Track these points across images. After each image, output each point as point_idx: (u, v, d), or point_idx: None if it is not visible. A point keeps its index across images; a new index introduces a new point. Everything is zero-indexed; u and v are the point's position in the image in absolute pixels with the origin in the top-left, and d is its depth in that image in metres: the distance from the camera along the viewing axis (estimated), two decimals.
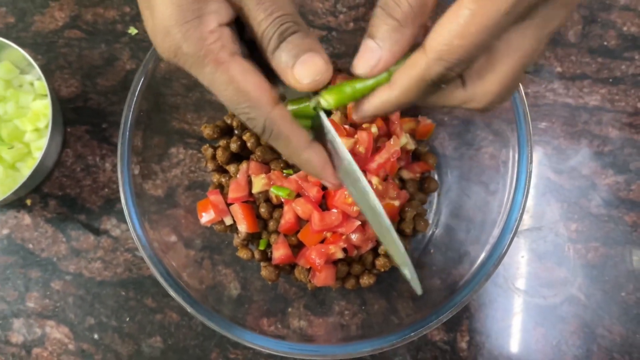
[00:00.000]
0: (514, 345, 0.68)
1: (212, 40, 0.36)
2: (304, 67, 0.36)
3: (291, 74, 0.37)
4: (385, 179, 0.62)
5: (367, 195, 0.40)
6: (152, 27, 0.38)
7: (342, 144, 0.40)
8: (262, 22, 0.36)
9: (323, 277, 0.62)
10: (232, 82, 0.36)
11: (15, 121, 0.69)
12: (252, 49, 0.39)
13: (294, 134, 0.38)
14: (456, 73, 0.35)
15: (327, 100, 0.38)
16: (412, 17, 0.35)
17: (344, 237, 0.61)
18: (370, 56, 0.36)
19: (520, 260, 0.70)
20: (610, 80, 0.73)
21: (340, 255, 0.61)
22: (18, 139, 0.69)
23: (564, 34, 0.74)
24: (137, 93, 0.59)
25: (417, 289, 0.44)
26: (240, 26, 0.39)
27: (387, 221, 0.41)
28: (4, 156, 0.68)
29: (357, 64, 0.37)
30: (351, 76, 0.62)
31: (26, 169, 0.69)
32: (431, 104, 0.39)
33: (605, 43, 0.74)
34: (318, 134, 0.40)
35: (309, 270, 0.64)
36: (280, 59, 0.37)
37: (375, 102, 0.38)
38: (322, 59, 0.37)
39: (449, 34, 0.33)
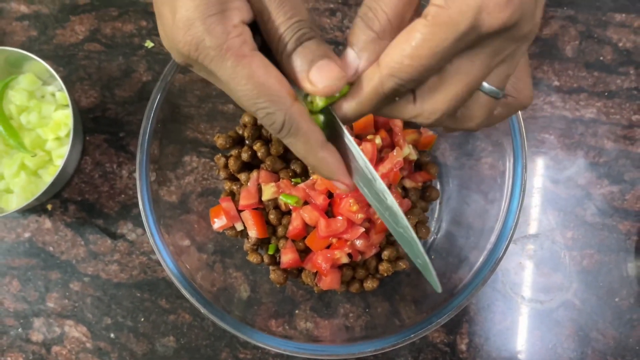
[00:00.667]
0: (511, 348, 0.71)
1: (235, 35, 0.36)
2: (320, 73, 0.38)
3: (307, 78, 0.38)
4: (388, 188, 0.65)
5: (384, 195, 0.41)
6: (172, 23, 0.37)
7: (356, 145, 0.41)
8: (281, 24, 0.38)
9: (329, 281, 0.65)
10: (253, 76, 0.37)
11: (38, 130, 0.72)
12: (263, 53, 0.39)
13: (312, 131, 0.39)
14: (407, 89, 0.38)
15: (317, 100, 0.40)
16: (390, 29, 0.37)
17: (349, 243, 0.64)
18: (348, 65, 0.39)
19: (518, 266, 0.72)
20: (606, 93, 0.76)
21: (345, 260, 0.64)
22: (40, 147, 0.73)
23: (562, 49, 0.77)
24: (155, 105, 0.62)
25: (437, 287, 0.45)
26: (255, 31, 0.39)
27: (405, 221, 0.42)
28: (27, 163, 0.71)
29: (345, 69, 0.39)
30: None
31: (48, 176, 0.72)
32: (385, 115, 0.41)
33: (601, 58, 0.77)
34: (331, 137, 0.41)
35: (315, 274, 0.67)
36: (296, 63, 0.38)
37: (342, 110, 0.40)
38: (338, 66, 0.38)
39: (401, 53, 0.35)
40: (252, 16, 0.38)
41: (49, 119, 0.73)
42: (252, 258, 0.68)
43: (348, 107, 0.39)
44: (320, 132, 0.39)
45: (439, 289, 0.45)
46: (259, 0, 0.38)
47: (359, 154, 0.41)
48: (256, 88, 0.37)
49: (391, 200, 0.41)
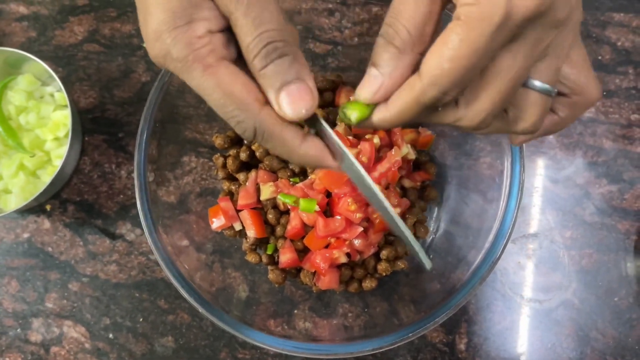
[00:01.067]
0: (511, 347, 0.71)
1: (199, 45, 0.36)
2: (289, 99, 0.37)
3: (276, 102, 0.37)
4: (387, 188, 0.65)
5: (369, 186, 0.41)
6: (145, 32, 0.38)
7: (331, 130, 0.40)
8: (247, 34, 0.36)
9: (327, 281, 0.65)
10: (220, 85, 0.36)
11: (37, 131, 0.73)
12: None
13: (286, 132, 0.38)
14: (451, 97, 0.37)
15: (351, 116, 0.40)
16: (411, 44, 0.37)
17: (347, 242, 0.64)
18: (372, 83, 0.38)
19: (517, 266, 0.72)
20: (605, 93, 0.76)
21: (343, 259, 0.64)
22: (39, 148, 0.73)
23: None
24: (153, 105, 0.62)
25: (426, 263, 0.45)
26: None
27: (385, 201, 0.42)
28: (26, 164, 0.71)
29: (360, 91, 0.39)
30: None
31: (46, 176, 0.72)
32: (426, 122, 0.41)
33: (599, 58, 0.77)
34: (308, 124, 0.41)
35: (314, 274, 0.67)
36: (265, 82, 0.37)
37: (374, 120, 0.39)
38: (309, 91, 0.37)
39: (440, 58, 0.35)
40: (223, 23, 0.38)
41: (47, 119, 0.74)
42: (251, 258, 0.68)
43: (385, 116, 0.39)
44: (295, 129, 0.39)
45: (428, 266, 0.45)
46: (226, 6, 0.37)
47: (336, 140, 0.40)
48: (223, 97, 0.36)
49: (376, 190, 0.41)
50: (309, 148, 0.39)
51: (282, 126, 0.38)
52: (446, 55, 0.35)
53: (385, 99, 0.39)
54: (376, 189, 0.42)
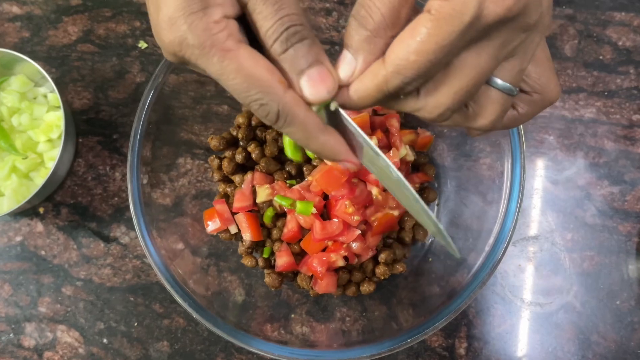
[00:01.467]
0: (511, 352, 0.70)
1: (217, 30, 0.35)
2: (310, 83, 0.36)
3: (297, 85, 0.37)
4: (385, 190, 0.64)
5: (389, 169, 0.40)
6: (157, 21, 0.37)
7: (355, 124, 0.39)
8: (266, 19, 0.36)
9: (325, 285, 0.64)
10: (242, 69, 0.35)
11: (29, 132, 0.72)
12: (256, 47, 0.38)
13: (309, 117, 0.37)
14: (413, 87, 0.36)
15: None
16: (384, 27, 0.36)
17: (344, 245, 0.63)
18: (346, 67, 0.38)
19: (517, 269, 0.71)
20: (606, 93, 0.75)
21: (341, 263, 0.63)
22: (32, 150, 0.72)
23: (560, 48, 0.76)
24: (146, 105, 0.62)
25: (455, 252, 0.44)
26: (246, 25, 0.38)
27: (413, 192, 0.41)
28: (18, 166, 0.70)
29: (342, 73, 0.38)
30: None
31: (39, 179, 0.71)
32: (386, 107, 0.40)
33: (600, 57, 0.76)
34: (329, 120, 0.40)
35: (311, 277, 0.66)
36: (286, 66, 0.36)
37: (339, 99, 0.39)
38: (330, 74, 0.37)
39: (407, 49, 0.34)
40: (237, 10, 0.37)
41: (40, 120, 0.72)
42: (247, 261, 0.67)
43: (348, 100, 0.38)
44: (317, 116, 0.38)
45: (457, 254, 0.44)
46: None
47: (358, 131, 0.39)
48: (246, 81, 0.35)
49: (396, 173, 0.40)
50: (330, 137, 0.39)
51: (305, 111, 0.37)
52: (413, 47, 0.34)
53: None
54: (405, 181, 0.40)
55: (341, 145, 0.39)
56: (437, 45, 0.34)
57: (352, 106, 0.39)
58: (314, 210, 0.61)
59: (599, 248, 0.71)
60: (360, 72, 0.37)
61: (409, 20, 0.36)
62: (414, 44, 0.34)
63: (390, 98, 0.38)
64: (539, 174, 0.74)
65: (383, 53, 0.37)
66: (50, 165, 0.70)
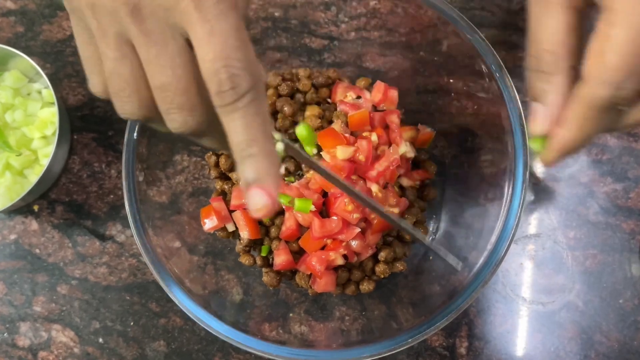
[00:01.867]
0: (513, 351, 0.69)
1: None
2: (252, 200, 0.35)
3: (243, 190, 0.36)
4: (385, 187, 0.63)
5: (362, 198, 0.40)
6: None
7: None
8: (207, 62, 0.33)
9: (323, 283, 0.63)
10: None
11: (23, 129, 0.70)
12: None
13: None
14: (629, 91, 0.34)
15: (534, 145, 0.40)
16: (559, 62, 0.36)
17: (344, 243, 0.62)
18: (539, 117, 0.38)
19: (519, 267, 0.70)
20: None
21: (340, 261, 0.62)
22: (26, 146, 0.70)
23: None
24: None
25: (455, 265, 0.43)
26: None
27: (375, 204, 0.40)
28: (12, 163, 0.69)
29: (533, 128, 0.39)
30: (353, 85, 0.63)
31: (34, 176, 0.70)
32: (618, 129, 0.38)
33: None
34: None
35: (309, 276, 0.65)
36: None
37: (556, 147, 0.38)
38: (271, 195, 0.35)
39: (602, 53, 0.33)
40: None
41: (35, 117, 0.71)
42: (245, 260, 0.66)
43: (565, 137, 0.37)
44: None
45: (459, 267, 0.43)
46: None
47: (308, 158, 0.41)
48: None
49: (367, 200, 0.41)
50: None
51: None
52: (607, 47, 0.33)
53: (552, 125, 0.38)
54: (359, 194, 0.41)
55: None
56: (634, 33, 0.32)
57: (572, 140, 0.37)
58: (312, 207, 0.60)
59: (602, 246, 0.70)
60: (554, 114, 0.37)
61: (581, 43, 0.35)
62: (607, 44, 0.33)
63: (610, 116, 0.36)
64: (541, 171, 0.72)
65: (570, 85, 0.36)
66: (45, 162, 0.69)
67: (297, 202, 0.60)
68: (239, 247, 0.67)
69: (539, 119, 0.38)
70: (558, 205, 0.71)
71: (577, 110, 0.36)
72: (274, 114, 0.69)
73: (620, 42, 0.32)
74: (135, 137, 0.60)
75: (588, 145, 0.40)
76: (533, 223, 0.71)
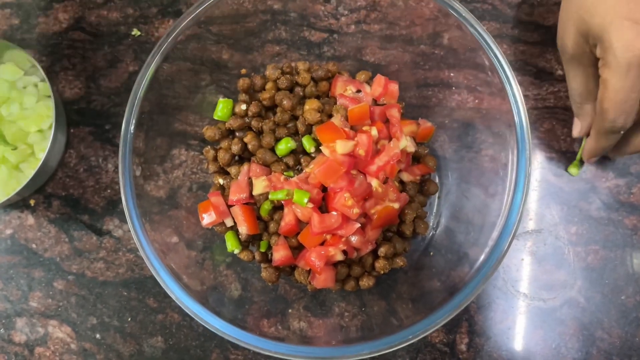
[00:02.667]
0: (513, 348, 0.68)
1: None
2: None
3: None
4: (385, 182, 0.63)
5: None
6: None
7: None
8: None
9: (323, 279, 0.62)
10: None
11: (19, 122, 0.69)
12: None
13: None
14: (622, 123, 0.56)
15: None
16: (584, 101, 0.63)
17: (343, 239, 0.61)
18: (577, 128, 0.67)
19: (520, 263, 0.70)
20: None
21: (340, 257, 0.61)
22: (22, 141, 0.70)
23: None
24: (139, 94, 0.60)
25: None
26: None
27: None
28: (8, 157, 0.68)
29: (573, 134, 0.68)
30: (353, 79, 0.63)
31: (30, 170, 0.69)
32: (619, 153, 0.65)
33: None
34: None
35: (308, 272, 0.64)
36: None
37: (586, 150, 0.66)
38: None
39: (601, 101, 0.56)
40: None
41: (31, 110, 0.70)
42: (243, 255, 0.65)
43: (590, 145, 0.64)
44: None
45: None
46: None
47: None
48: None
49: None
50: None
51: None
52: (604, 96, 0.55)
53: (587, 134, 0.66)
54: None
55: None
56: (616, 88, 0.54)
57: (594, 149, 0.64)
58: (309, 204, 0.60)
59: (604, 242, 0.70)
60: (584, 128, 0.66)
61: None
62: (601, 93, 0.56)
63: (613, 135, 0.59)
64: (543, 166, 0.72)
65: (594, 113, 0.62)
66: (41, 156, 0.68)
67: (295, 193, 0.59)
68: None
69: (577, 130, 0.67)
70: (560, 200, 0.71)
71: (594, 130, 0.62)
72: (273, 107, 0.68)
73: (611, 93, 0.54)
74: (132, 131, 0.60)
75: (607, 150, 0.64)
76: (534, 218, 0.71)
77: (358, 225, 0.61)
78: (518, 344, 0.68)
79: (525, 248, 0.70)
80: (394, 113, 0.65)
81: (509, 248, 0.55)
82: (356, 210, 0.60)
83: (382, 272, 0.64)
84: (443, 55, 0.67)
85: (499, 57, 0.58)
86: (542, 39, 0.74)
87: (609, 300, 0.69)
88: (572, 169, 0.70)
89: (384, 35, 0.70)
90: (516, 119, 0.57)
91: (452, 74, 0.67)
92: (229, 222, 0.65)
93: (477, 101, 0.66)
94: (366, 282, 0.64)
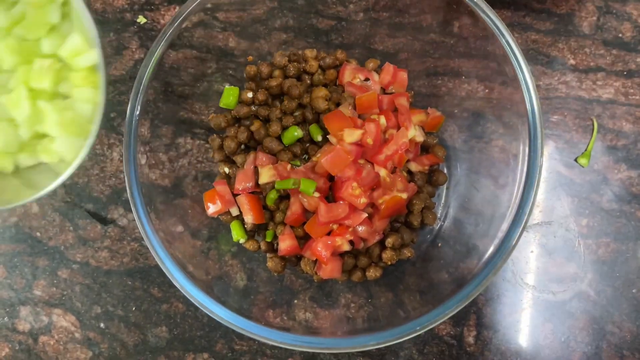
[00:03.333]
0: (522, 341, 0.67)
1: None
2: None
3: None
4: (393, 172, 0.62)
5: None
6: None
7: None
8: None
9: (329, 270, 0.61)
10: None
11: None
12: None
13: None
14: None
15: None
16: None
17: (350, 229, 0.60)
18: None
19: (529, 255, 0.69)
20: (625, 73, 0.72)
21: (346, 247, 0.61)
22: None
23: (578, 25, 0.73)
24: (143, 82, 0.59)
25: None
26: None
27: None
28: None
29: None
30: (362, 67, 0.61)
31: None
32: None
33: (620, 35, 0.72)
34: None
35: (315, 262, 0.63)
36: None
37: None
38: None
39: None
40: None
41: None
42: (249, 245, 0.65)
43: None
44: None
45: None
46: None
47: None
48: None
49: None
50: None
51: None
52: None
53: None
54: None
55: None
56: None
57: None
58: (316, 194, 0.59)
59: (615, 234, 0.69)
60: None
61: None
62: None
63: None
64: (553, 157, 0.71)
65: None
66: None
67: (302, 183, 0.59)
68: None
69: None
70: (570, 192, 0.70)
71: None
72: (280, 95, 0.67)
73: None
74: (136, 119, 0.59)
75: None
76: (544, 210, 0.70)
77: (365, 215, 0.60)
78: (526, 337, 0.67)
79: (535, 240, 0.69)
80: (403, 102, 0.64)
81: (518, 240, 0.54)
82: (363, 200, 0.59)
83: (389, 263, 0.63)
84: (453, 43, 0.66)
85: (512, 44, 0.57)
86: (555, 27, 0.73)
87: (620, 294, 0.67)
88: (582, 160, 0.69)
89: (393, 23, 0.69)
90: (528, 107, 0.56)
91: (462, 63, 0.66)
92: (234, 211, 0.65)
93: (487, 91, 0.65)
94: (373, 273, 0.63)
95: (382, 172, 0.60)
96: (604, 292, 0.67)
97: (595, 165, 0.70)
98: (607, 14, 0.73)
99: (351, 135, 0.59)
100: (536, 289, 0.68)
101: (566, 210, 0.69)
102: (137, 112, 0.59)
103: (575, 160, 0.69)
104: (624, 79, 0.71)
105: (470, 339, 0.67)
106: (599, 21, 0.73)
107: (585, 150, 0.69)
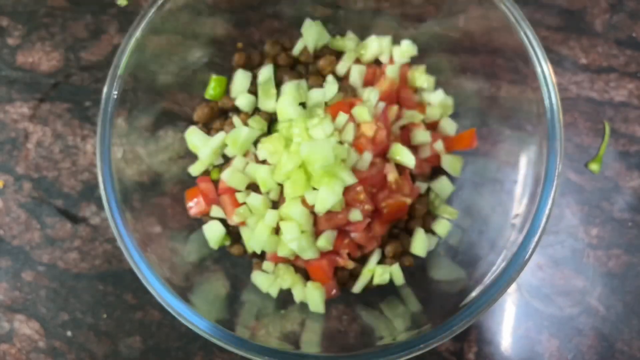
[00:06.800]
0: (526, 358, 0.65)
1: None
2: None
3: None
4: (401, 173, 0.58)
5: None
6: None
7: None
8: None
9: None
10: None
11: None
12: None
13: None
14: None
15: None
16: None
17: (346, 241, 0.57)
18: None
19: (535, 267, 0.66)
20: (639, 74, 0.69)
21: (350, 266, 0.59)
22: None
23: (590, 23, 0.70)
24: (121, 67, 0.56)
25: None
26: None
27: None
28: None
29: None
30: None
31: None
32: None
33: (634, 34, 0.71)
34: None
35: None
36: None
37: None
38: None
39: None
40: None
41: None
42: (233, 250, 0.62)
43: None
44: None
45: None
46: None
47: None
48: None
49: None
50: None
51: None
52: None
53: None
54: None
55: None
56: None
57: None
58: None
59: (627, 246, 0.67)
60: None
61: None
62: None
63: None
64: (563, 162, 0.67)
65: None
66: None
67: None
68: None
69: None
70: (580, 199, 0.67)
71: None
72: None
73: None
74: (112, 108, 0.56)
75: None
76: (552, 218, 0.65)
77: (368, 220, 0.57)
78: (531, 354, 0.65)
79: (542, 251, 0.67)
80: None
81: (532, 253, 0.50)
82: (368, 207, 0.56)
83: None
84: (458, 38, 0.64)
85: (529, 34, 0.53)
86: (566, 24, 0.71)
87: (631, 310, 0.65)
88: (593, 165, 0.65)
89: (394, 13, 0.66)
90: (547, 103, 0.53)
91: (467, 59, 0.64)
92: (217, 212, 0.61)
93: (493, 90, 0.62)
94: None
95: (391, 177, 0.57)
96: (614, 307, 0.65)
97: (606, 171, 0.67)
98: (620, 11, 0.71)
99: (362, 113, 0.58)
100: (542, 302, 0.65)
101: (575, 219, 0.67)
102: (113, 101, 0.56)
103: (586, 165, 0.66)
104: (638, 81, 0.69)
105: (471, 355, 0.65)
106: (612, 19, 0.71)
107: (596, 155, 0.66)
